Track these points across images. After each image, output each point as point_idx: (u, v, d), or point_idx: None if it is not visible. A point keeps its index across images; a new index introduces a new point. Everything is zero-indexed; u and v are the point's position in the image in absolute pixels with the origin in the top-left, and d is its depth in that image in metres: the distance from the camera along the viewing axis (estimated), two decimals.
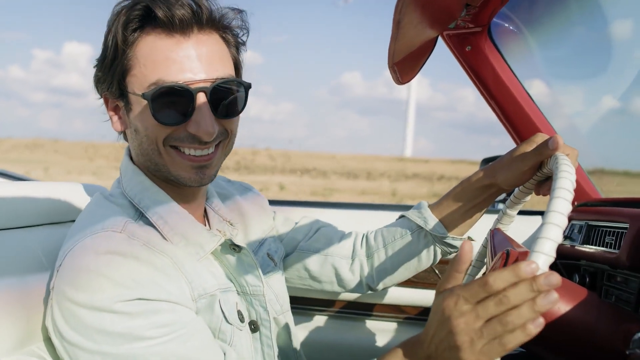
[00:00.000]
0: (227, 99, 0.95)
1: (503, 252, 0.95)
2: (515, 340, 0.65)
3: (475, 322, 0.67)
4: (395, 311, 1.84)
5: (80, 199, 1.30)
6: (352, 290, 1.30)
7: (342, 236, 1.31)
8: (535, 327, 0.65)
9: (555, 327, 0.93)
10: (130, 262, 0.85)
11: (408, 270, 1.26)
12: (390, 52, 1.09)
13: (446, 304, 0.70)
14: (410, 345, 0.79)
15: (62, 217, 1.23)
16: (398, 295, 1.80)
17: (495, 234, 1.07)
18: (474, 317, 0.67)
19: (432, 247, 1.23)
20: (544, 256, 0.68)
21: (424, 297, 1.79)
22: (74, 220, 1.03)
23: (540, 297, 0.64)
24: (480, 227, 1.26)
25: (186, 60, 0.90)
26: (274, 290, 1.18)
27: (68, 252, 0.89)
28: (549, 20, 1.47)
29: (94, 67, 0.99)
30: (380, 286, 1.29)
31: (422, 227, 1.20)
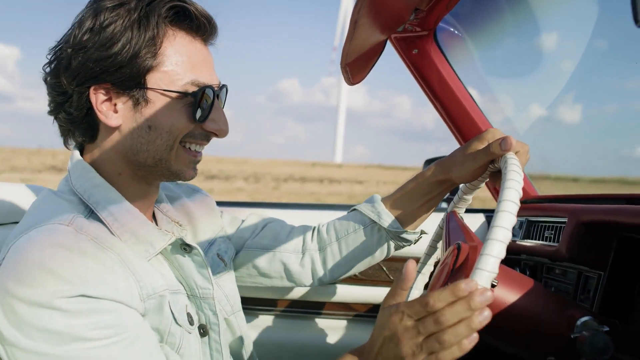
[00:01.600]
0: (224, 100, 1.05)
1: (454, 246, 0.99)
2: (450, 356, 0.71)
3: (416, 338, 0.73)
4: (345, 309, 1.87)
5: (24, 200, 1.24)
6: (303, 284, 1.30)
7: (291, 230, 1.30)
8: (469, 342, 0.71)
9: (504, 316, 0.97)
10: (75, 257, 0.81)
11: (361, 263, 1.26)
12: (344, 52, 1.11)
13: (392, 319, 0.76)
14: (357, 354, 0.84)
15: (4, 219, 1.18)
16: (347, 292, 1.82)
17: (450, 218, 1.11)
18: (415, 333, 0.73)
19: (385, 241, 1.24)
20: (487, 273, 0.72)
21: (373, 294, 1.82)
22: (17, 222, 0.97)
23: (475, 315, 0.70)
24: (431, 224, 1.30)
25: (210, 64, 0.99)
26: (225, 290, 1.17)
27: (11, 245, 0.85)
28: (489, 25, 1.53)
29: (71, 50, 0.90)
30: (331, 279, 1.29)
31: (375, 222, 1.21)
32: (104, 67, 0.89)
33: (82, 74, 0.90)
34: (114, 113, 0.93)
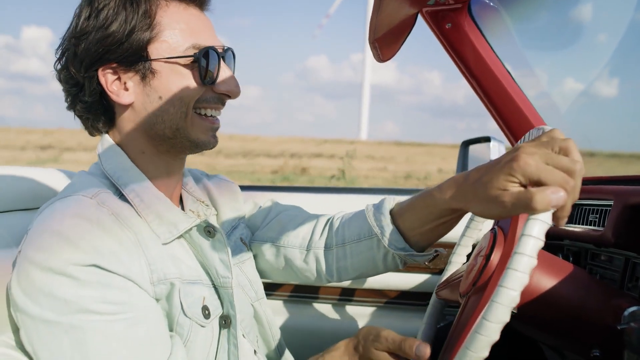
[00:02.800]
0: (234, 65, 1.05)
1: (491, 232, 0.95)
2: None
3: None
4: (377, 295, 1.83)
5: (55, 184, 1.25)
6: (310, 282, 1.22)
7: (300, 223, 1.21)
8: None
9: (545, 305, 0.91)
10: (93, 228, 0.83)
11: (366, 273, 1.15)
12: (371, 26, 1.07)
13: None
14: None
15: (35, 204, 1.18)
16: (379, 278, 1.78)
17: None
18: None
19: (392, 257, 1.08)
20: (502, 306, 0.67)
21: (406, 280, 1.78)
22: None
23: None
24: None
25: (210, 28, 1.01)
26: (248, 276, 1.16)
27: (38, 215, 0.89)
28: None
29: (74, 40, 0.94)
30: (338, 281, 1.19)
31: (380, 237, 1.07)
32: (105, 46, 0.92)
33: (88, 59, 0.93)
34: (125, 91, 0.96)
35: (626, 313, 0.87)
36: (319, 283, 1.22)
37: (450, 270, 1.19)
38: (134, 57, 0.93)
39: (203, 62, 0.96)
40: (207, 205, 1.14)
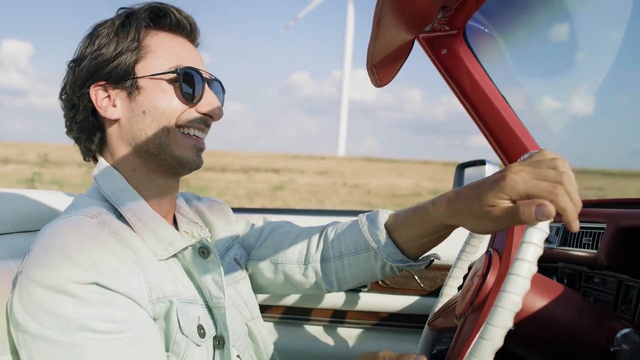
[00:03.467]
0: (220, 94, 1.13)
1: (486, 256, 0.96)
2: None
3: None
4: (374, 317, 1.83)
5: (57, 207, 1.26)
6: (311, 292, 1.26)
7: (294, 239, 1.25)
8: None
9: (539, 326, 0.93)
10: (94, 246, 0.85)
11: (366, 279, 1.19)
12: (369, 53, 1.08)
13: None
14: None
15: (36, 225, 1.20)
16: (376, 301, 1.79)
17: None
18: None
19: (388, 267, 1.13)
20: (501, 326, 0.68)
21: (402, 303, 1.78)
22: None
23: None
24: None
25: (197, 56, 1.09)
26: (243, 296, 1.18)
27: (40, 234, 0.91)
28: (520, 22, 1.48)
29: (73, 64, 1.04)
30: (339, 290, 1.24)
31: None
32: (97, 65, 1.01)
33: (81, 78, 1.02)
34: (113, 107, 1.02)
35: (619, 335, 0.88)
36: (319, 293, 1.27)
37: (446, 294, 1.20)
38: (121, 75, 1.01)
39: (185, 80, 1.02)
40: (201, 227, 1.17)
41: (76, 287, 0.80)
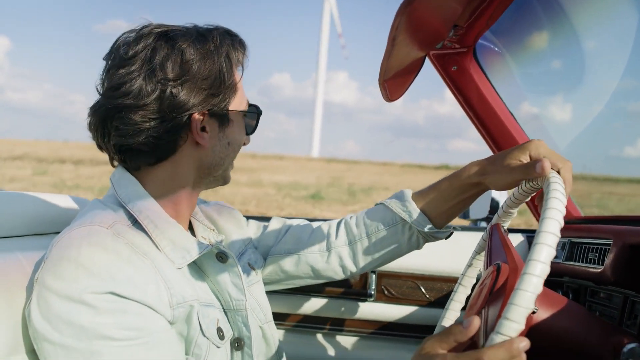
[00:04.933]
0: None
1: (494, 267, 0.96)
2: None
3: None
4: (379, 327, 1.84)
5: (67, 211, 1.28)
6: (333, 279, 1.32)
7: (313, 231, 1.32)
8: None
9: (545, 339, 0.94)
10: (110, 257, 0.87)
11: (390, 258, 1.28)
12: (382, 69, 1.10)
13: None
14: None
15: (48, 229, 1.22)
16: (381, 310, 1.80)
17: (494, 232, 1.07)
18: None
19: (416, 238, 1.24)
20: (522, 309, 0.69)
21: (408, 313, 1.79)
22: (59, 232, 1.02)
23: None
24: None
25: None
26: (257, 299, 1.20)
27: (55, 243, 0.92)
28: (530, 41, 1.51)
29: (183, 80, 0.98)
30: (360, 272, 1.32)
31: (406, 221, 1.22)
32: (208, 94, 1.01)
33: (188, 103, 0.98)
34: (206, 134, 1.04)
35: (625, 349, 0.89)
36: (341, 277, 1.31)
37: (460, 293, 1.20)
38: (221, 106, 1.04)
39: (253, 116, 1.14)
40: (217, 233, 1.20)
41: (93, 297, 0.82)
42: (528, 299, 0.70)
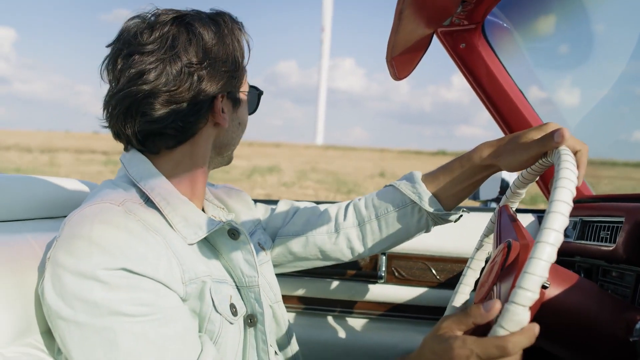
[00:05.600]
0: None
1: (505, 244, 0.95)
2: None
3: None
4: (389, 309, 1.84)
5: (78, 193, 1.29)
6: (341, 261, 1.33)
7: (321, 213, 1.32)
8: None
9: (557, 316, 0.93)
10: (121, 233, 0.86)
11: (399, 240, 1.28)
12: (389, 45, 1.09)
13: (456, 353, 0.73)
14: None
15: (58, 212, 1.22)
16: (392, 292, 1.80)
17: (502, 212, 1.06)
18: None
19: (425, 220, 1.24)
20: (536, 277, 0.69)
21: (419, 294, 1.79)
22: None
23: None
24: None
25: None
26: (267, 279, 1.21)
27: (67, 221, 0.92)
28: (538, 16, 1.49)
29: (210, 62, 1.01)
30: (369, 254, 1.33)
31: (416, 203, 1.21)
32: (229, 77, 1.05)
33: (213, 86, 1.02)
34: (226, 115, 1.07)
35: (638, 326, 0.88)
36: (349, 259, 1.32)
37: (469, 276, 1.20)
38: (237, 88, 1.09)
39: (255, 96, 1.18)
40: (227, 211, 1.21)
41: (105, 273, 0.82)
42: (542, 267, 0.69)
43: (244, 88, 1.12)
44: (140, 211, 0.93)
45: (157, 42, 0.97)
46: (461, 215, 1.25)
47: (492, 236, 1.15)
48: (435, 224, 1.25)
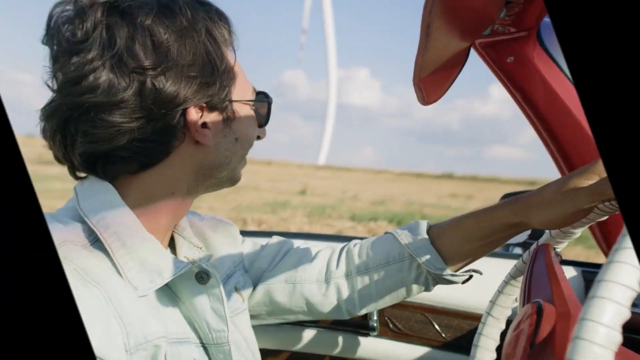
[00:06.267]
0: None
1: (533, 305, 0.72)
2: None
3: None
4: None
5: None
6: (331, 317, 1.14)
7: (314, 256, 1.14)
8: None
9: None
10: None
11: (396, 297, 1.10)
12: (416, 66, 0.89)
13: None
14: None
15: None
16: (385, 348, 1.54)
17: (539, 254, 0.86)
18: None
19: (425, 278, 1.06)
20: (597, 347, 0.44)
21: (419, 353, 1.51)
22: None
23: None
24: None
25: None
26: (243, 333, 1.02)
27: None
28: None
29: (164, 68, 0.81)
30: (363, 312, 1.13)
31: (414, 258, 1.04)
32: (201, 84, 0.84)
33: (179, 96, 0.82)
34: (208, 130, 0.87)
35: None
36: (339, 316, 1.13)
37: (494, 326, 0.99)
38: (223, 98, 0.88)
39: (263, 106, 0.99)
40: (204, 253, 1.03)
41: None
42: (598, 356, 0.44)
43: (242, 96, 0.93)
44: (81, 256, 0.76)
45: (92, 38, 0.77)
46: (470, 277, 1.07)
47: (520, 279, 0.94)
48: (437, 283, 1.07)
